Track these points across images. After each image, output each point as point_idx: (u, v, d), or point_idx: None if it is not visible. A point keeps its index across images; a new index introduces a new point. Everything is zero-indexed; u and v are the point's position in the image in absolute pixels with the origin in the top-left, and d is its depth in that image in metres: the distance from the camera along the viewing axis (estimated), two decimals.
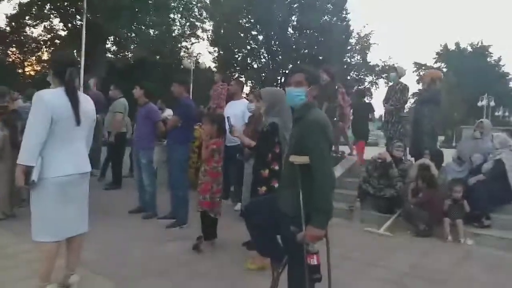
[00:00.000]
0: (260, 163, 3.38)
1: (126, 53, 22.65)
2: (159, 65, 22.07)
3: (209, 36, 25.34)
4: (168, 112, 8.80)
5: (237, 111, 5.55)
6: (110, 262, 3.57)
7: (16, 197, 5.07)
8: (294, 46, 25.37)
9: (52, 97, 2.55)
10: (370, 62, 29.99)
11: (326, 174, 2.17)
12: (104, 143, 7.82)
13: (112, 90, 7.15)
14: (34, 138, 2.48)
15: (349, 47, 27.83)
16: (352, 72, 29.13)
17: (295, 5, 25.06)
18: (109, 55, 21.90)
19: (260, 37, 25.87)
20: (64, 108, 2.57)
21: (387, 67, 27.11)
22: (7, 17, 19.91)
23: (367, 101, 7.89)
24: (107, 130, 7.43)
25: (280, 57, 26.10)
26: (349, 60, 28.80)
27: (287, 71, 26.03)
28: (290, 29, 26.12)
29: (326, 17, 25.46)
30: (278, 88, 4.21)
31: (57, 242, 2.68)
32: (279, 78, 25.77)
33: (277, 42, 25.87)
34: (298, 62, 24.65)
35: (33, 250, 3.75)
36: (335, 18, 25.80)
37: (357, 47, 29.17)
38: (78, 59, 15.70)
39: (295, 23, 25.79)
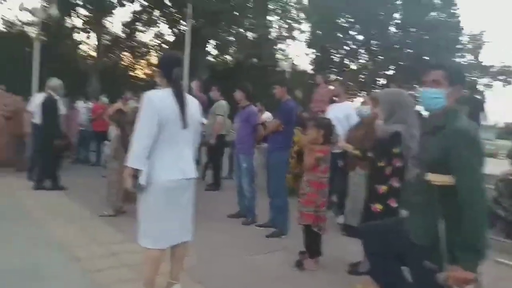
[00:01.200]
0: (375, 177, 2.95)
1: (226, 56, 23.46)
2: (257, 68, 22.40)
3: (306, 37, 25.09)
4: (267, 115, 8.71)
5: (340, 115, 5.17)
6: (209, 270, 3.47)
7: (129, 195, 5.30)
8: (396, 46, 23.85)
9: (159, 99, 2.46)
10: (482, 62, 26.87)
11: (480, 201, 1.72)
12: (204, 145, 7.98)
13: (213, 91, 7.21)
14: (142, 141, 2.41)
15: (459, 46, 25.26)
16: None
17: (398, 2, 23.55)
18: (210, 59, 22.84)
19: (360, 37, 24.83)
20: (171, 110, 2.46)
21: (506, 69, 24.00)
22: (122, 24, 21.92)
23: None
24: (208, 132, 7.54)
25: (380, 57, 24.75)
26: (459, 60, 26.15)
27: (387, 72, 24.59)
28: (392, 28, 24.61)
29: (433, 13, 23.46)
30: (399, 89, 3.69)
31: (162, 249, 2.61)
32: (378, 80, 24.45)
33: (377, 42, 24.58)
34: (401, 63, 23.10)
35: (138, 251, 3.84)
36: (444, 15, 23.63)
37: (469, 45, 26.33)
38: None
39: (398, 21, 24.24)
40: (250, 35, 21.62)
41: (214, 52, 23.16)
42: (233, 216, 5.30)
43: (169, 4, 19.96)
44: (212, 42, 21.73)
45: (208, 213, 5.33)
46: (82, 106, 9.67)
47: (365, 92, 18.84)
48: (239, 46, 20.93)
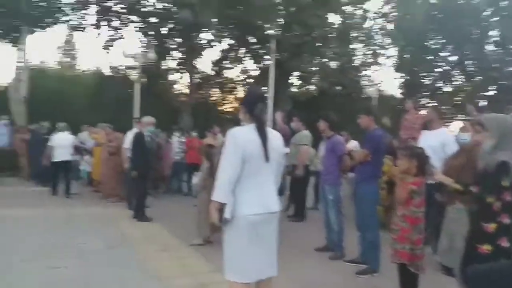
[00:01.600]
0: (482, 214, 2.61)
1: (309, 86, 23.58)
2: (341, 96, 22.10)
3: (393, 62, 24.21)
4: (353, 144, 8.45)
5: (434, 142, 4.78)
6: None
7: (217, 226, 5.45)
8: (495, 65, 21.84)
9: (243, 134, 2.54)
10: None
11: None
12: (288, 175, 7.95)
13: (294, 122, 7.24)
14: (227, 175, 2.48)
15: None
16: None
17: (495, 19, 21.71)
18: (293, 89, 23.14)
19: (453, 58, 23.26)
20: (255, 145, 2.52)
21: None
22: (211, 63, 23.37)
23: None
24: (290, 162, 7.53)
25: (478, 77, 22.83)
26: None
27: (487, 93, 22.53)
28: (488, 46, 22.68)
29: None
30: (507, 115, 3.28)
31: (246, 283, 2.59)
32: (478, 101, 22.46)
33: (473, 62, 22.77)
34: (502, 82, 21.03)
35: (224, 283, 3.87)
36: None
37: None
38: (266, 95, 17.17)
39: (496, 38, 22.28)
40: (333, 64, 21.53)
41: (297, 82, 23.45)
42: (321, 250, 5.12)
43: (253, 41, 20.85)
44: (295, 73, 22.07)
45: (294, 246, 5.22)
46: (176, 140, 10.34)
47: (463, 116, 17.39)
48: (322, 75, 20.92)
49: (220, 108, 26.13)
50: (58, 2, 19.00)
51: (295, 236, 5.81)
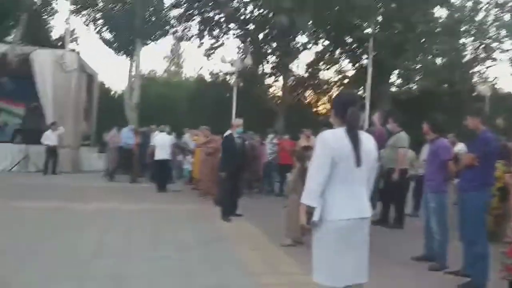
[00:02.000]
0: None
1: (411, 84, 22.19)
2: (447, 94, 20.36)
3: (509, 56, 21.54)
4: (460, 147, 7.74)
5: None
6: None
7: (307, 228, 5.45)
8: None
9: (333, 137, 2.51)
10: None
11: None
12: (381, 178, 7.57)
13: (390, 123, 6.88)
14: (316, 179, 2.47)
15: None
16: None
17: None
18: (393, 89, 21.99)
19: None
20: (345, 148, 2.47)
21: None
22: (306, 65, 23.37)
23: None
24: (386, 166, 7.15)
25: None
26: None
27: None
28: None
29: None
30: None
31: (333, 287, 2.53)
32: None
33: None
34: None
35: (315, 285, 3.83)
36: None
37: None
38: (364, 95, 16.57)
39: None
40: (439, 60, 19.94)
41: (398, 81, 22.24)
42: (419, 259, 4.77)
43: (350, 41, 20.33)
44: (396, 71, 20.96)
45: (389, 254, 4.94)
46: (269, 141, 10.55)
47: None
48: (426, 73, 19.49)
49: (314, 109, 26.01)
50: (166, 16, 20.79)
51: (392, 244, 5.50)
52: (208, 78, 26.02)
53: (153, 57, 60.54)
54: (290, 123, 19.04)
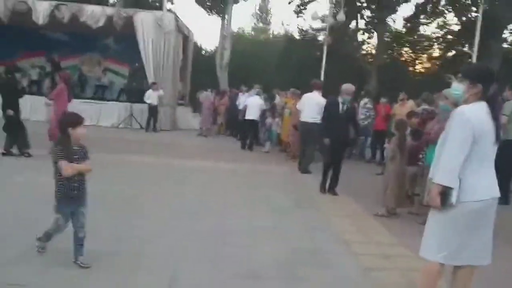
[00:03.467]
0: None
1: None
2: None
3: None
4: None
5: None
6: None
7: (403, 200, 5.29)
8: None
9: (475, 114, 2.35)
10: None
11: None
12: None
13: (507, 91, 6.21)
14: (455, 157, 2.34)
15: None
16: None
17: None
18: (506, 46, 19.44)
19: None
20: (486, 126, 2.34)
21: None
22: (404, 19, 21.55)
23: None
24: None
25: None
26: None
27: None
28: None
29: None
30: None
31: (443, 265, 2.48)
32: None
33: None
34: None
35: (410, 256, 3.75)
36: None
37: None
38: (471, 52, 14.91)
39: None
40: None
41: (511, 38, 19.58)
42: None
43: None
44: (509, 26, 18.39)
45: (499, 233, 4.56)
46: (363, 105, 10.11)
47: None
48: None
49: (411, 69, 24.23)
50: None
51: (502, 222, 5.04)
52: (297, 35, 25.49)
53: (241, 15, 60.70)
54: (383, 84, 18.07)
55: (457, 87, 2.50)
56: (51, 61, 15.15)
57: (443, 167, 2.38)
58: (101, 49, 16.93)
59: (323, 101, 7.46)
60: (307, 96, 7.89)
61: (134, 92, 13.75)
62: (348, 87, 6.14)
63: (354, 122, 6.66)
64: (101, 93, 15.82)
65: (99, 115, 13.64)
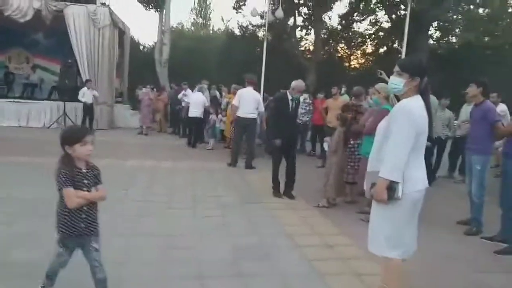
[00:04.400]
0: None
1: (450, 38, 21.04)
2: (492, 48, 19.15)
3: None
4: (502, 108, 7.47)
5: None
6: (431, 283, 3.24)
7: (342, 189, 5.55)
8: None
9: (417, 110, 2.45)
10: None
11: None
12: None
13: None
14: (402, 152, 2.40)
15: None
16: None
17: None
18: (431, 42, 20.93)
19: None
20: (424, 120, 2.46)
21: None
22: (339, 16, 22.43)
23: None
24: None
25: None
26: None
27: None
28: None
29: None
30: None
31: (402, 260, 2.59)
32: None
33: None
34: None
35: (351, 245, 3.95)
36: None
37: None
38: (400, 48, 15.85)
39: None
40: (481, 11, 18.67)
41: (436, 35, 21.10)
42: (462, 223, 4.79)
43: None
44: (435, 23, 19.82)
45: (434, 218, 4.93)
46: (303, 100, 10.32)
47: None
48: (467, 25, 18.35)
49: (346, 64, 25.25)
50: None
51: (436, 209, 5.45)
52: (237, 31, 25.49)
53: (180, 9, 59.43)
54: (321, 79, 18.66)
55: (396, 81, 2.54)
56: None
57: (390, 162, 2.41)
58: (30, 44, 15.81)
59: (258, 96, 7.80)
60: (242, 92, 7.99)
61: (66, 90, 12.97)
62: (299, 83, 5.80)
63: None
64: (30, 92, 14.77)
65: (28, 115, 12.76)
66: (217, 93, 12.68)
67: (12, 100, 13.02)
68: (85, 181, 2.39)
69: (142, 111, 12.86)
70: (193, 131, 10.64)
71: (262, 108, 8.20)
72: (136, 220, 4.41)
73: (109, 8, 13.47)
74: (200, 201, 5.37)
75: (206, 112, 10.67)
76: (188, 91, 11.57)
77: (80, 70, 12.94)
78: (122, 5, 50.67)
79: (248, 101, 7.85)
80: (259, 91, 12.03)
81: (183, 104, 11.70)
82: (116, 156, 8.34)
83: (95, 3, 13.71)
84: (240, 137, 8.21)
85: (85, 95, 11.86)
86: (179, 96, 11.89)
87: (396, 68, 2.56)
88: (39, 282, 2.60)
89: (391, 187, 2.41)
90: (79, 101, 12.01)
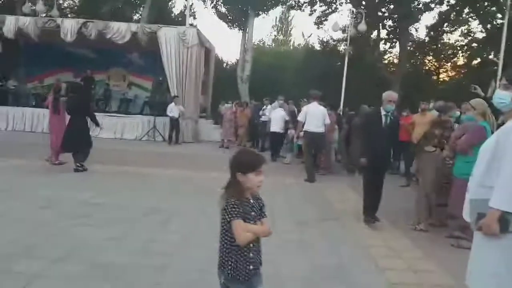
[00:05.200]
0: None
1: None
2: None
3: None
4: None
5: None
6: None
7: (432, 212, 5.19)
8: None
9: None
10: None
11: None
12: None
13: None
14: None
15: None
16: None
17: None
18: None
19: None
20: None
21: None
22: (427, 27, 21.30)
23: None
24: None
25: None
26: None
27: None
28: None
29: None
30: None
31: None
32: None
33: None
34: None
35: (435, 271, 3.63)
36: None
37: None
38: (496, 60, 14.55)
39: None
40: None
41: None
42: None
43: None
44: None
45: None
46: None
47: None
48: None
49: (434, 77, 23.81)
50: None
51: None
52: (317, 46, 25.50)
53: (262, 27, 61.16)
54: (406, 94, 17.80)
55: (503, 95, 2.26)
56: (84, 76, 15.61)
57: (504, 191, 2.09)
58: (126, 63, 17.41)
59: (325, 110, 8.19)
60: (309, 107, 8.24)
61: (157, 105, 14.00)
62: (390, 93, 5.25)
63: (395, 137, 5.60)
64: (125, 107, 16.19)
65: (123, 128, 13.94)
66: (295, 108, 12.70)
67: (109, 114, 14.34)
68: (253, 213, 2.07)
69: (224, 125, 13.36)
70: (273, 145, 10.91)
71: (328, 121, 8.33)
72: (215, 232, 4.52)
73: (197, 29, 14.35)
74: (277, 216, 5.35)
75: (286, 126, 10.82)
76: (269, 106, 11.83)
77: (169, 86, 13.89)
78: (208, 24, 53.66)
79: (315, 116, 8.07)
80: (338, 106, 11.88)
81: (262, 119, 11.95)
82: (198, 167, 8.73)
83: (184, 25, 14.70)
84: (310, 152, 8.36)
85: (172, 110, 12.68)
86: (261, 112, 12.19)
87: (503, 81, 2.28)
88: None
89: (504, 218, 2.08)
90: (167, 115, 12.86)
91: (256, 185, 2.05)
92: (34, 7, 17.96)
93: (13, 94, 15.72)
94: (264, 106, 12.16)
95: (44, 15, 17.44)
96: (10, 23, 13.82)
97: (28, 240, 3.86)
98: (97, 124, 8.21)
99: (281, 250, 4.05)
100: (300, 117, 8.34)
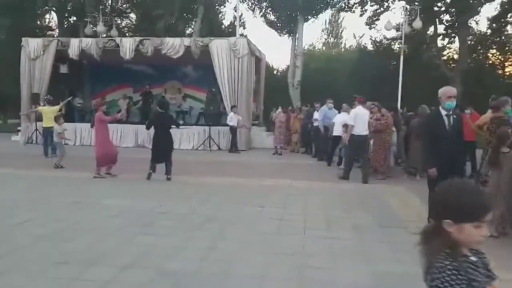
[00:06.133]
0: None
1: None
2: None
3: None
4: None
5: None
6: None
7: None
8: None
9: None
10: None
11: None
12: None
13: None
14: None
15: None
16: None
17: None
18: None
19: None
20: None
21: None
22: (488, 19, 20.01)
23: None
24: None
25: None
26: None
27: None
28: None
29: None
30: None
31: None
32: None
33: None
34: None
35: (509, 281, 3.36)
36: None
37: None
38: None
39: None
40: None
41: None
42: None
43: None
44: None
45: None
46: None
47: None
48: None
49: (500, 71, 22.23)
50: None
51: None
52: (370, 47, 24.85)
53: (311, 31, 60.81)
54: (468, 90, 16.80)
55: None
56: (144, 91, 16.50)
57: None
58: (181, 76, 18.11)
59: (368, 113, 8.40)
60: (357, 111, 8.33)
61: (211, 115, 14.38)
62: (448, 89, 4.82)
63: (460, 137, 4.93)
64: (182, 118, 16.79)
65: (180, 138, 14.45)
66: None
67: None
68: (479, 279, 1.37)
69: (275, 132, 13.41)
70: (335, 149, 10.79)
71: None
72: (274, 238, 4.54)
73: (247, 39, 14.59)
74: (334, 221, 5.27)
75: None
76: (320, 110, 11.67)
77: (223, 97, 14.22)
78: (257, 33, 54.36)
79: (362, 120, 8.21)
80: (396, 107, 11.45)
81: (314, 123, 11.83)
82: (253, 175, 8.82)
83: (235, 35, 15.01)
84: (354, 155, 8.61)
85: (232, 119, 13.06)
86: (314, 117, 12.09)
87: None
88: None
89: None
90: (222, 125, 13.18)
91: (477, 240, 1.37)
92: (95, 29, 19.29)
93: (79, 111, 16.93)
94: (316, 111, 12.04)
95: (104, 35, 18.65)
96: (74, 45, 14.94)
97: (99, 247, 4.12)
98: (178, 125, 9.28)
99: (338, 256, 3.98)
100: (350, 121, 8.37)
